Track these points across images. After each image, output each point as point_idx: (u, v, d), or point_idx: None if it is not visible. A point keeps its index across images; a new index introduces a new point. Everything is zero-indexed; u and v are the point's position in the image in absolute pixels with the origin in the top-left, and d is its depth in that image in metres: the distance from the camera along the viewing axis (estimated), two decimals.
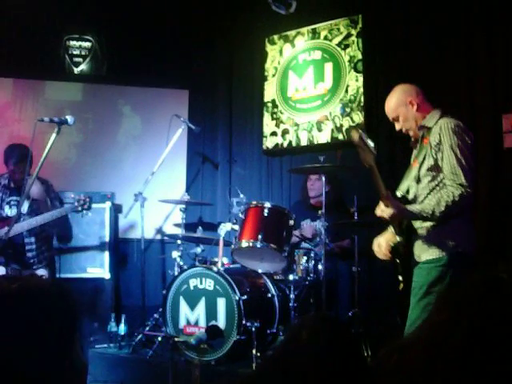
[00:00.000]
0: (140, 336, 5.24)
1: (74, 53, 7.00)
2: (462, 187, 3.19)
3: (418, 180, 3.42)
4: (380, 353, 1.03)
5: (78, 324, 1.40)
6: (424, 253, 3.34)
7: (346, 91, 5.98)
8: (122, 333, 5.33)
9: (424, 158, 3.39)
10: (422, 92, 3.55)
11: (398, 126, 3.58)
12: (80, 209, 5.01)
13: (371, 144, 3.20)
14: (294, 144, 6.29)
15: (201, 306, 4.71)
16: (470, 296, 0.92)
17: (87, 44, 7.02)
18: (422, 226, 3.39)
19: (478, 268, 1.03)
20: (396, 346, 0.99)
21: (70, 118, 4.43)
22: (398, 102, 3.52)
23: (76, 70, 7.00)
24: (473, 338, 0.87)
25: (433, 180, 3.35)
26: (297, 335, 1.66)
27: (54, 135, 4.34)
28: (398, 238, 3.48)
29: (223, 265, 4.92)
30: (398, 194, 3.50)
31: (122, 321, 5.36)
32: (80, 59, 7.01)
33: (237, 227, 4.90)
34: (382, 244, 3.54)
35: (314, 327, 1.64)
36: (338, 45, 6.11)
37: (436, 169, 3.33)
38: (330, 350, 1.53)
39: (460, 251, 3.27)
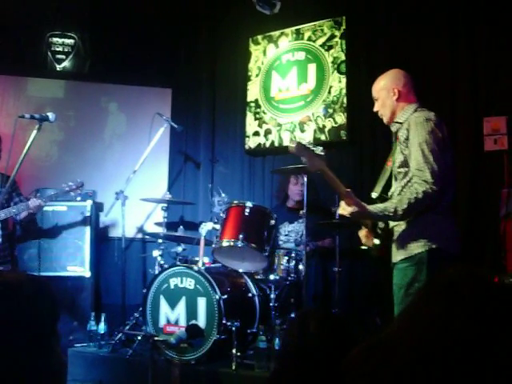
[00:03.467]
0: (120, 335, 5.22)
1: (57, 49, 6.96)
2: (427, 183, 3.12)
3: (396, 178, 3.41)
4: (352, 353, 1.02)
5: (58, 322, 1.39)
6: (399, 252, 3.31)
7: (329, 92, 6.00)
8: (102, 332, 5.30)
9: (397, 156, 3.38)
10: (411, 83, 3.51)
11: (375, 107, 3.58)
12: (73, 194, 5.12)
13: (317, 149, 3.21)
14: (276, 144, 6.30)
15: (181, 305, 4.69)
16: (460, 296, 0.92)
17: (70, 41, 6.98)
18: (396, 225, 3.36)
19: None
20: (372, 344, 0.98)
21: (51, 115, 4.42)
22: (383, 86, 3.51)
23: (58, 67, 6.96)
24: (466, 338, 0.87)
25: (404, 177, 3.31)
26: (304, 327, 1.68)
27: (34, 132, 4.34)
28: (375, 241, 3.48)
29: (204, 264, 4.90)
30: (373, 195, 3.49)
31: (102, 320, 5.33)
32: (63, 56, 6.97)
33: (218, 226, 4.89)
34: (365, 233, 3.56)
35: (320, 320, 1.67)
36: (322, 46, 6.13)
37: (406, 165, 3.29)
38: (335, 341, 1.55)
39: (435, 247, 3.19)
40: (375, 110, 3.58)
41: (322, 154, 3.24)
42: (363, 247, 3.56)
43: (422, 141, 3.18)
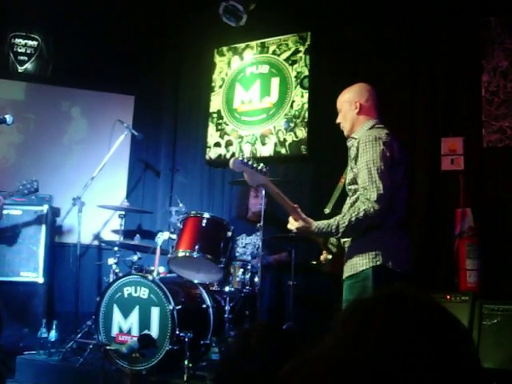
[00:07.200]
0: (71, 343, 5.15)
1: (19, 51, 6.86)
2: (369, 202, 3.10)
3: (348, 194, 3.41)
4: (286, 366, 1.04)
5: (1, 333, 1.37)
6: (346, 269, 3.29)
7: (291, 106, 6.04)
8: (53, 339, 5.22)
9: (348, 173, 3.39)
10: (375, 99, 3.49)
11: (338, 119, 3.56)
12: (26, 192, 5.03)
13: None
14: (236, 156, 6.30)
15: (134, 315, 4.65)
16: (374, 310, 0.94)
17: (33, 43, 6.90)
18: (346, 241, 3.35)
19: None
20: (302, 359, 1.00)
21: (8, 118, 4.37)
22: (347, 99, 3.49)
23: (20, 69, 6.86)
24: (378, 352, 0.88)
25: (354, 194, 3.31)
26: (246, 341, 1.69)
27: None
28: (328, 256, 3.50)
29: (159, 274, 4.88)
30: (326, 211, 3.50)
31: (53, 327, 5.25)
32: (25, 58, 6.87)
33: (174, 236, 4.87)
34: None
35: (262, 334, 1.68)
36: (286, 60, 6.18)
37: (355, 182, 3.28)
38: (277, 355, 1.56)
39: (380, 264, 3.15)
40: (337, 121, 3.57)
41: (264, 169, 3.24)
42: (313, 262, 3.57)
43: (369, 159, 3.17)
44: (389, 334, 0.89)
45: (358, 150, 3.24)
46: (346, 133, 3.52)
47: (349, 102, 3.47)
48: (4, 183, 5.92)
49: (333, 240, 3.48)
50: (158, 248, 4.92)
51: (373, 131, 3.30)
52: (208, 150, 6.52)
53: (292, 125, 6.00)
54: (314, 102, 5.95)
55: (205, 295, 4.95)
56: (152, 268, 4.98)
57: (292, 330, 4.73)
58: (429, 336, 0.90)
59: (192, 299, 4.94)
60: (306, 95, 5.98)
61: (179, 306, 4.54)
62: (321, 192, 5.54)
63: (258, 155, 6.13)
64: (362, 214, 3.09)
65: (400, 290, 0.98)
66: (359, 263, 3.20)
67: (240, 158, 3.21)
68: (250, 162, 3.21)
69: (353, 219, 3.11)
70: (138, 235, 5.49)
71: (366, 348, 0.88)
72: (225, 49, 6.64)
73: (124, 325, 4.69)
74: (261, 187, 3.30)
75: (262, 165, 3.25)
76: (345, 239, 3.36)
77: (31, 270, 5.77)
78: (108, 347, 4.46)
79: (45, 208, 5.91)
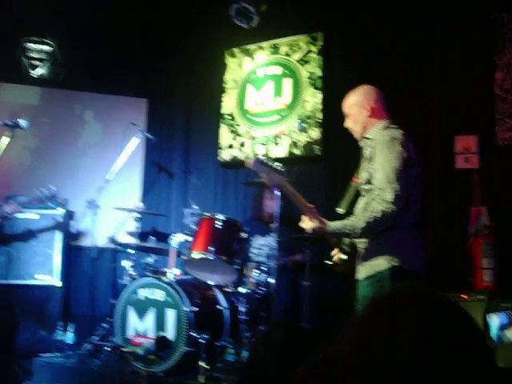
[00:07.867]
0: (88, 345, 5.17)
1: (33, 56, 6.90)
2: (386, 203, 3.06)
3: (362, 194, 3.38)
4: (301, 366, 1.03)
5: (16, 337, 1.38)
6: (362, 270, 3.27)
7: (304, 107, 6.03)
8: (69, 342, 5.25)
9: (363, 173, 3.35)
10: (383, 99, 3.46)
11: (346, 123, 3.52)
12: (45, 200, 5.08)
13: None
14: (254, 156, 6.29)
15: (150, 317, 4.66)
16: (403, 310, 0.93)
17: (47, 48, 6.93)
18: (359, 242, 3.33)
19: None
20: (319, 359, 0.99)
21: (23, 122, 4.40)
22: (355, 102, 3.45)
23: (34, 74, 6.90)
24: (417, 352, 0.88)
25: (367, 194, 3.28)
26: (269, 339, 1.69)
27: (6, 139, 4.30)
28: (342, 257, 3.47)
29: (174, 276, 4.89)
30: (340, 211, 3.47)
31: (70, 329, 5.28)
32: (38, 62, 6.91)
33: (189, 238, 4.88)
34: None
35: (283, 337, 1.68)
36: (298, 61, 6.18)
37: (370, 182, 3.24)
38: (300, 358, 1.57)
39: (397, 266, 3.13)
40: (346, 125, 3.53)
41: (282, 169, 3.22)
42: (328, 262, 3.56)
43: (385, 160, 3.15)
44: (424, 334, 0.89)
45: (374, 150, 3.22)
46: (357, 136, 3.49)
47: (358, 106, 3.43)
48: (19, 187, 5.96)
49: (346, 240, 3.46)
50: (173, 250, 4.93)
51: (388, 131, 3.28)
52: (221, 151, 6.53)
53: (305, 126, 5.99)
54: (327, 102, 5.94)
55: (220, 297, 4.96)
56: (167, 270, 4.99)
57: (311, 330, 4.72)
58: (455, 335, 0.91)
59: (207, 301, 4.95)
60: (319, 96, 5.98)
61: (195, 308, 4.55)
62: (334, 192, 5.50)
63: (272, 156, 6.12)
64: (380, 215, 3.06)
65: (416, 287, 0.98)
66: (376, 264, 3.18)
67: (259, 158, 3.19)
68: (269, 163, 3.20)
69: (371, 220, 3.08)
70: (152, 237, 5.50)
71: (404, 347, 0.88)
72: (236, 50, 6.64)
73: (140, 327, 4.71)
74: (276, 188, 3.27)
75: (279, 164, 3.23)
76: (358, 240, 3.33)
77: (46, 273, 5.81)
78: (124, 349, 4.48)
79: (60, 212, 5.94)
